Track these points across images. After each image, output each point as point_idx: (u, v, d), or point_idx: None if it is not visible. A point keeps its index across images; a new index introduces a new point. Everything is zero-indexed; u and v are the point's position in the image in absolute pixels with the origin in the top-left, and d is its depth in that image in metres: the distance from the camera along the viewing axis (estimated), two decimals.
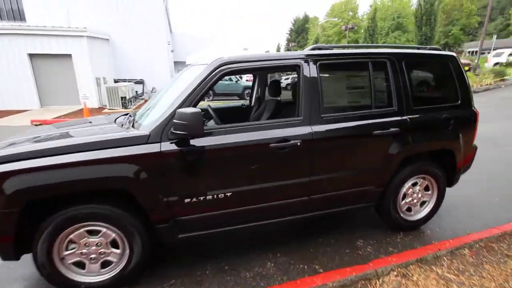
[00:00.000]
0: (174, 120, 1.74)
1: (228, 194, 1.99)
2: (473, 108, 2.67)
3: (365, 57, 2.28)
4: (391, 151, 2.31)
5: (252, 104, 3.77)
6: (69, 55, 12.36)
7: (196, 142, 1.86)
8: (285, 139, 2.01)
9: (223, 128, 1.96)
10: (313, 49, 2.23)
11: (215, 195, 1.96)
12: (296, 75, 2.13)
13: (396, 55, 2.37)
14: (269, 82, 3.26)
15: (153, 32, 15.81)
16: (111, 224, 1.83)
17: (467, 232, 2.64)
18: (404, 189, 2.55)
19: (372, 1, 44.43)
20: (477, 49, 21.96)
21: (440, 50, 2.68)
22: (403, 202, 2.59)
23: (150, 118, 1.97)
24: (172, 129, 1.79)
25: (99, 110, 11.70)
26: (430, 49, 2.64)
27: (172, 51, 18.94)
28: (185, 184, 1.91)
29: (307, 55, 2.13)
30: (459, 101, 2.59)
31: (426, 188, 2.66)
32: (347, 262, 2.25)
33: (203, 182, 1.95)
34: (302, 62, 2.10)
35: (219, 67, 1.93)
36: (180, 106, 1.83)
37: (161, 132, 1.81)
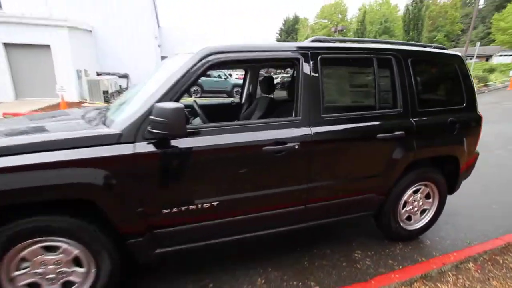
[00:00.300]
0: (151, 117, 1.46)
1: (215, 203, 1.72)
2: (477, 112, 2.53)
3: (370, 52, 2.06)
4: (395, 156, 2.11)
5: (243, 101, 3.51)
6: (48, 46, 11.67)
7: (178, 143, 1.58)
8: (281, 142, 1.76)
9: (210, 127, 1.69)
10: (314, 41, 2.00)
11: (199, 205, 1.69)
12: (294, 70, 1.89)
13: (402, 52, 2.17)
14: (261, 78, 3.00)
15: (139, 26, 15.21)
16: (73, 238, 1.53)
17: (468, 242, 2.50)
18: (405, 197, 2.36)
19: (361, 4, 45.06)
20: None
21: (446, 49, 2.52)
22: (403, 210, 2.42)
23: (124, 113, 1.67)
24: (149, 127, 1.50)
25: (79, 104, 11.08)
26: (435, 47, 2.47)
27: (159, 45, 18.33)
28: (164, 192, 1.63)
29: (307, 47, 1.90)
30: (464, 104, 2.44)
31: (427, 196, 2.49)
32: (346, 278, 2.04)
33: (186, 190, 1.67)
34: (301, 55, 1.86)
35: (207, 57, 1.65)
36: (160, 100, 1.54)
37: (136, 131, 1.52)
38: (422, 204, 2.49)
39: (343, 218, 2.17)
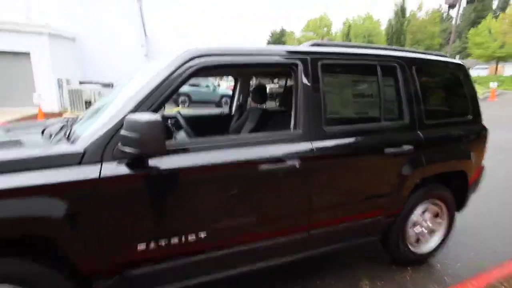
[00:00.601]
0: (122, 132, 1.18)
1: (202, 234, 1.43)
2: (482, 123, 2.38)
3: (374, 59, 1.88)
4: (404, 173, 1.90)
5: (233, 112, 3.26)
6: (27, 53, 11.14)
7: (157, 162, 1.30)
8: (280, 159, 1.51)
9: (196, 143, 1.42)
10: (313, 45, 1.80)
11: (183, 237, 1.40)
12: (292, 78, 1.66)
13: (405, 59, 2.00)
14: (253, 87, 2.78)
15: (124, 34, 14.89)
16: (22, 285, 1.20)
17: (480, 263, 2.30)
18: (413, 217, 2.15)
19: (345, 19, 46.55)
20: None
21: (447, 57, 2.38)
22: (412, 232, 2.19)
23: (91, 127, 1.38)
24: (120, 144, 1.22)
25: (60, 114, 10.51)
26: (436, 55, 2.33)
27: (146, 55, 18.00)
28: (139, 224, 1.33)
29: (307, 52, 1.68)
30: (470, 116, 2.28)
31: (435, 215, 2.29)
32: None
33: (167, 220, 1.38)
34: (300, 60, 1.64)
35: (189, 61, 1.40)
36: (133, 111, 1.27)
37: (103, 149, 1.23)
38: (431, 224, 2.28)
39: (349, 244, 1.92)
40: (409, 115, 1.94)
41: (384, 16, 62.60)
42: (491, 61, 30.36)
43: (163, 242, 1.35)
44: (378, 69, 1.88)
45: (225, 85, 17.10)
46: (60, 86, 11.83)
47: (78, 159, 1.21)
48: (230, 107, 3.31)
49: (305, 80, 1.63)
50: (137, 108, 1.27)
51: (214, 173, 1.41)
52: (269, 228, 1.60)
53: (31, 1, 13.14)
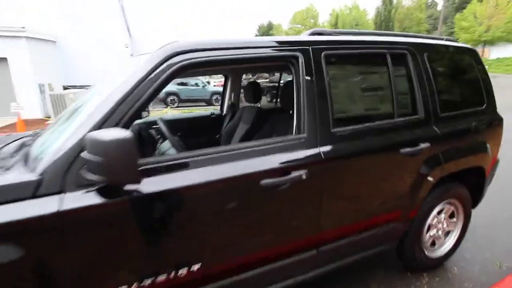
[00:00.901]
0: (83, 154, 0.92)
1: (196, 267, 1.19)
2: (497, 112, 2.19)
3: (383, 46, 1.65)
4: (422, 173, 1.70)
5: (224, 112, 3.01)
6: (4, 59, 10.58)
7: (134, 186, 1.05)
8: (281, 171, 1.28)
9: (179, 159, 1.16)
10: (313, 34, 1.55)
11: (172, 274, 1.15)
12: (292, 72, 1.42)
13: (416, 45, 1.78)
14: (245, 84, 2.53)
15: (106, 35, 14.32)
16: None
17: (498, 265, 2.13)
18: (429, 220, 1.96)
19: (331, 9, 46.21)
20: None
21: (457, 42, 2.17)
22: (428, 236, 2.00)
23: (52, 147, 1.11)
24: (85, 168, 0.97)
25: (43, 121, 10.05)
26: (446, 40, 2.11)
27: (131, 55, 17.43)
28: (113, 265, 1.08)
29: (307, 41, 1.44)
30: (485, 105, 2.09)
31: (451, 215, 2.11)
32: None
33: (150, 256, 1.13)
34: (300, 52, 1.39)
35: (170, 58, 1.14)
36: (97, 126, 1.01)
37: (63, 175, 0.97)
38: (446, 225, 2.09)
39: (362, 257, 1.71)
40: (423, 108, 1.72)
41: (369, 5, 62.48)
42: (477, 45, 30.62)
43: (147, 282, 1.11)
44: (388, 58, 1.65)
45: (212, 82, 16.64)
46: (42, 91, 11.31)
47: (32, 189, 0.95)
48: (221, 106, 3.05)
49: (307, 75, 1.38)
50: (102, 122, 1.01)
51: (202, 195, 1.17)
52: (271, 252, 1.37)
53: (8, 4, 12.47)
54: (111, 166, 0.86)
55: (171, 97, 13.67)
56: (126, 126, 1.04)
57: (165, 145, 1.55)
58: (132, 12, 14.22)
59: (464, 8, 33.10)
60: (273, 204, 1.31)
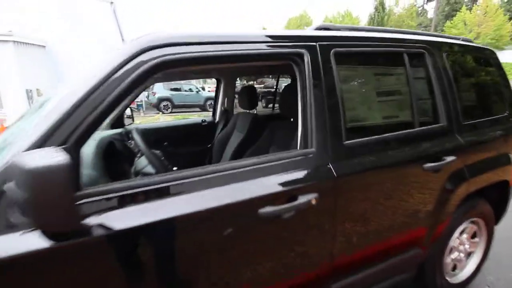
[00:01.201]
0: (6, 186, 0.65)
1: None
2: None
3: (399, 44, 1.42)
4: (446, 192, 1.46)
5: (217, 119, 2.75)
6: None
7: (96, 219, 0.78)
8: (287, 195, 1.02)
9: (138, 187, 0.86)
10: (319, 29, 1.32)
11: None
12: (297, 74, 1.17)
13: (434, 44, 1.56)
14: (240, 89, 2.29)
15: (98, 40, 14.01)
16: None
17: None
18: (451, 242, 1.71)
19: (325, 16, 46.63)
20: None
21: (473, 42, 1.97)
22: (449, 259, 1.76)
23: None
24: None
25: None
26: (463, 40, 1.91)
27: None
28: None
29: (314, 37, 1.20)
30: (507, 112, 1.87)
31: (473, 235, 1.87)
32: None
33: None
34: (306, 49, 1.15)
35: (144, 53, 0.88)
36: (38, 145, 0.73)
37: None
38: (468, 246, 1.85)
39: None
40: (445, 115, 1.49)
41: (362, 13, 63.53)
42: None
43: None
44: (405, 58, 1.42)
45: (207, 88, 16.37)
46: (29, 97, 10.92)
47: None
48: (214, 113, 2.80)
49: (315, 76, 1.14)
50: (44, 140, 0.73)
51: (185, 228, 0.90)
52: None
53: (8, 4, 12.10)
54: (35, 204, 0.59)
55: (164, 103, 13.35)
56: (79, 143, 0.77)
57: (142, 162, 1.29)
58: (133, 11, 13.98)
59: (454, 16, 33.69)
60: (275, 237, 1.05)
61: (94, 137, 1.28)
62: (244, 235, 1.00)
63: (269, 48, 1.11)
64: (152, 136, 2.44)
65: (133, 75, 0.85)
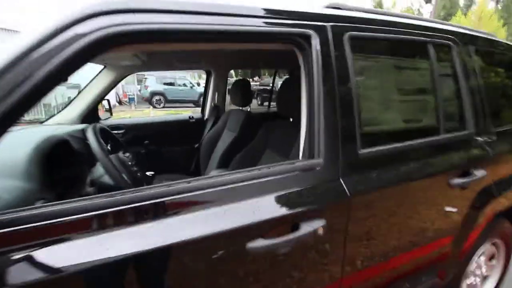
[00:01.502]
0: None
1: None
2: None
3: (424, 33, 1.17)
4: (473, 211, 1.22)
5: (206, 116, 2.48)
6: None
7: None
8: (286, 222, 0.76)
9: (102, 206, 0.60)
10: (329, 7, 1.06)
11: None
12: (301, 62, 0.92)
13: (463, 36, 1.32)
14: (232, 83, 2.02)
15: None
16: None
17: None
18: (470, 267, 1.49)
19: None
20: None
21: (495, 36, 1.74)
22: (465, 285, 1.54)
23: None
24: None
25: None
26: (488, 34, 1.67)
27: None
28: None
29: (326, 15, 0.94)
30: None
31: (491, 257, 1.65)
32: None
33: None
34: (315, 29, 0.89)
35: (82, 21, 0.61)
36: None
37: None
38: (485, 270, 1.63)
39: None
40: (473, 121, 1.25)
41: None
42: None
43: None
44: (430, 49, 1.17)
45: (202, 83, 15.99)
46: None
47: None
48: (203, 109, 2.52)
49: (325, 66, 0.88)
50: None
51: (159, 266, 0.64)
52: None
53: (8, 4, 11.55)
54: None
55: (157, 97, 12.95)
56: None
57: (99, 170, 0.99)
58: None
59: (449, 20, 33.89)
60: (264, 271, 0.79)
61: (33, 135, 1.00)
62: (225, 276, 0.74)
63: (265, 25, 0.84)
64: (132, 133, 2.16)
65: (63, 55, 0.58)
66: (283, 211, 0.76)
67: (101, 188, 0.90)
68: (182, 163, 2.28)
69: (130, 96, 14.15)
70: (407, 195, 1.03)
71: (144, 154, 2.12)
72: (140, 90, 14.29)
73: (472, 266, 1.53)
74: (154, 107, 12.49)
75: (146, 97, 13.06)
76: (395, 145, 1.01)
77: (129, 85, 15.20)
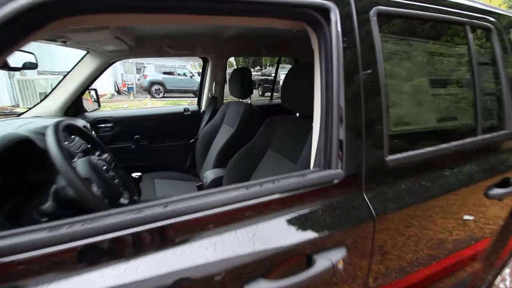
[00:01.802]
0: None
1: None
2: None
3: (462, 13, 0.96)
4: (508, 225, 1.05)
5: (203, 108, 2.28)
6: None
7: None
8: (297, 256, 0.59)
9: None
10: None
11: None
12: (314, 44, 0.72)
13: (505, 18, 1.12)
14: (232, 72, 1.82)
15: None
16: None
17: None
18: (496, 281, 1.33)
19: None
20: None
21: None
22: None
23: None
24: None
25: (11, 109, 8.98)
26: None
27: None
28: None
29: None
30: None
31: None
32: None
33: None
34: (335, 2, 0.68)
35: None
36: None
37: None
38: (509, 282, 1.47)
39: None
40: None
41: None
42: None
43: None
44: (468, 33, 0.97)
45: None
46: (11, 76, 10.17)
47: None
48: (199, 101, 2.32)
49: (347, 48, 0.68)
50: None
51: None
52: None
53: None
54: None
55: (156, 87, 12.69)
56: None
57: (60, 182, 0.79)
58: None
59: None
60: None
61: None
62: None
63: None
64: (121, 127, 1.98)
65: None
66: (292, 240, 0.58)
67: (63, 204, 0.73)
68: (176, 160, 2.10)
69: (129, 86, 13.90)
70: (443, 210, 0.85)
71: (133, 150, 1.94)
72: (139, 79, 14.00)
73: (498, 279, 1.37)
74: (153, 96, 12.25)
75: (145, 87, 12.81)
76: (429, 149, 0.82)
77: (129, 74, 14.92)
